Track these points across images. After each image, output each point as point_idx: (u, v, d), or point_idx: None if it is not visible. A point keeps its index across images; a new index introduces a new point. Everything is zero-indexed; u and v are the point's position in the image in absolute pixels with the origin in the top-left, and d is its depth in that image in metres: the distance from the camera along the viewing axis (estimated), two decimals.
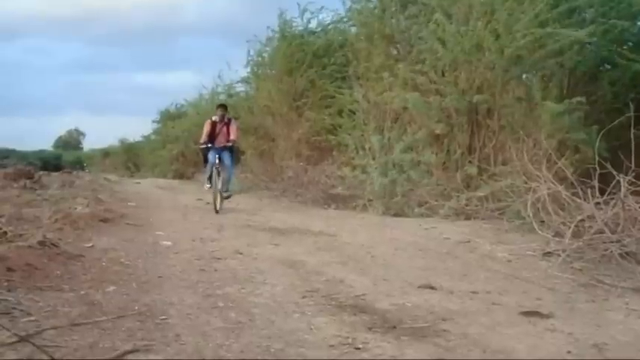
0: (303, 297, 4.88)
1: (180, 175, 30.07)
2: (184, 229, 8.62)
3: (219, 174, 12.58)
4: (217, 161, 12.66)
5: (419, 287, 5.34)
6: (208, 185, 12.88)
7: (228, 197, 12.71)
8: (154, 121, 38.72)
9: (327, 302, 4.74)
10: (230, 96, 24.57)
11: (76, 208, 8.93)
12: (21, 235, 6.16)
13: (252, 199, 15.42)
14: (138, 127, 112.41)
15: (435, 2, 11.77)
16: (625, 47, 10.72)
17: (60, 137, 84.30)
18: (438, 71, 11.14)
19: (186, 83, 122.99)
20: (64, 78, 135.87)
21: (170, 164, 32.05)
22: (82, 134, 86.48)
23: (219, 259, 6.33)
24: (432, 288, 5.32)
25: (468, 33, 10.40)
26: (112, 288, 4.83)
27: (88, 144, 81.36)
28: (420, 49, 11.91)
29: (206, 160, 13.14)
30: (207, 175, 13.06)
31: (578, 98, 9.75)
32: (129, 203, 12.69)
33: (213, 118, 13.25)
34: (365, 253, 7.13)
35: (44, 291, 4.53)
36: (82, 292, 4.62)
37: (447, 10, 11.27)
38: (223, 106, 13.76)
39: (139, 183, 24.37)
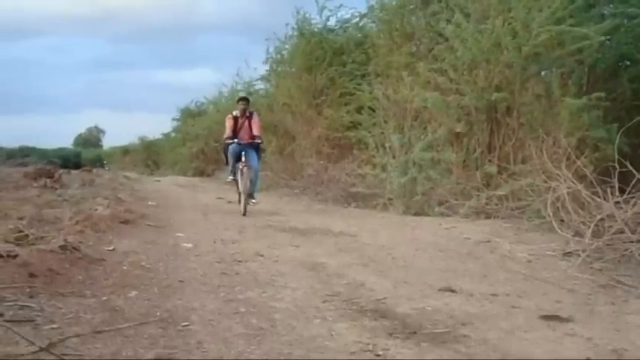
0: (324, 301, 4.89)
1: (200, 173, 30.22)
2: (205, 229, 8.65)
3: (242, 173, 11.81)
4: (243, 159, 11.90)
5: (439, 290, 5.35)
6: (231, 177, 12.17)
7: (254, 204, 11.91)
8: (173, 119, 38.99)
9: (347, 307, 4.75)
10: (249, 94, 24.55)
11: (96, 209, 8.97)
12: (42, 238, 6.16)
13: (273, 198, 15.45)
14: (157, 125, 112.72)
15: (453, 1, 11.78)
16: None
17: (80, 135, 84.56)
18: (458, 70, 11.11)
19: (205, 81, 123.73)
20: (84, 76, 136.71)
21: (190, 162, 32.21)
22: (102, 132, 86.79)
23: (240, 261, 6.35)
24: (452, 291, 5.33)
25: (486, 32, 10.37)
26: (133, 293, 4.84)
27: (108, 141, 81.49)
28: (440, 48, 11.86)
29: (227, 159, 12.36)
30: (230, 170, 12.21)
31: (598, 94, 9.73)
32: (149, 202, 12.73)
33: (234, 113, 12.39)
34: (385, 255, 7.15)
35: (66, 297, 4.54)
36: (104, 298, 4.64)
37: (465, 9, 11.26)
38: (245, 100, 12.80)
39: (159, 181, 24.46)
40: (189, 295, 4.92)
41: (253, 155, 12.12)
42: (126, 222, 8.36)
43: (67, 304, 4.37)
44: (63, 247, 5.58)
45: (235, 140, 12.01)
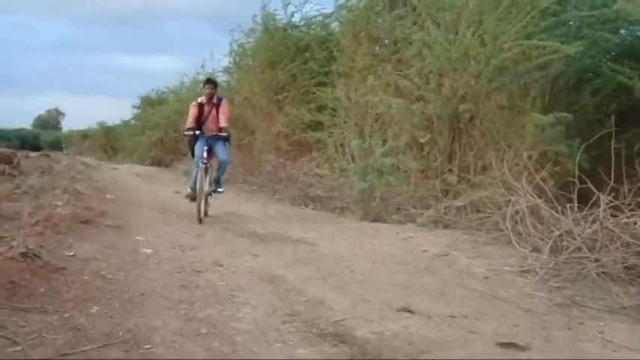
0: (284, 322, 4.85)
1: (158, 162, 30.05)
2: (164, 232, 8.52)
3: (206, 172, 10.59)
4: (205, 154, 10.58)
5: (397, 310, 5.33)
6: (190, 191, 10.80)
7: (220, 192, 10.98)
8: (134, 107, 38.75)
9: (307, 329, 4.72)
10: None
11: (56, 206, 8.81)
12: (1, 239, 6.13)
13: (231, 194, 15.26)
14: (119, 110, 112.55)
15: (422, 9, 11.74)
16: (608, 57, 10.76)
17: (39, 116, 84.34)
18: (423, 77, 11.06)
19: (169, 68, 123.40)
20: (47, 57, 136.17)
21: (149, 150, 32.00)
22: (62, 114, 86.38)
23: (199, 272, 6.28)
24: (411, 312, 5.31)
25: (455, 41, 10.35)
26: (95, 309, 4.76)
27: (68, 124, 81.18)
28: (407, 54, 11.80)
29: (193, 152, 10.99)
30: (192, 175, 10.91)
31: (564, 113, 9.80)
32: (107, 196, 12.49)
33: (200, 100, 10.97)
34: (344, 267, 7.08)
35: (29, 313, 4.45)
36: (67, 315, 4.55)
37: (435, 17, 11.21)
38: (212, 83, 11.29)
39: (117, 169, 24.22)
40: (151, 312, 4.85)
41: (221, 147, 10.89)
42: (86, 222, 8.21)
43: (29, 322, 4.29)
44: (24, 255, 5.47)
45: (197, 132, 10.68)
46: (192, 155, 11.12)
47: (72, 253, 6.36)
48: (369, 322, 4.99)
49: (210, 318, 4.84)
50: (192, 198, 10.60)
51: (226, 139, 10.97)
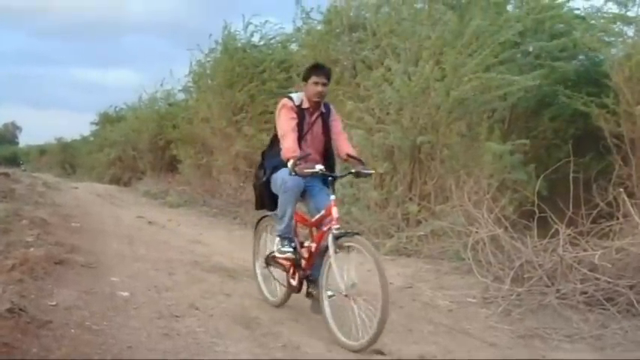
0: None
1: (116, 180, 29.85)
2: (136, 270, 8.37)
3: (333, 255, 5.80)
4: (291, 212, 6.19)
5: (370, 352, 5.41)
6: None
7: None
8: (92, 123, 38.42)
9: None
10: (170, 104, 24.50)
11: (29, 245, 8.72)
12: None
13: (192, 217, 15.29)
14: (77, 124, 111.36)
15: (383, 35, 11.88)
16: (567, 84, 11.00)
17: None
18: (384, 108, 11.15)
19: (128, 81, 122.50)
20: (2, 68, 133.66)
21: (107, 168, 31.76)
22: (19, 128, 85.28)
23: (177, 317, 6.27)
24: (382, 353, 5.43)
25: (415, 74, 10.49)
26: None
27: (25, 139, 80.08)
28: (366, 84, 11.86)
29: (263, 203, 6.66)
30: (281, 232, 6.31)
31: (522, 141, 9.99)
32: (73, 224, 12.26)
33: (295, 98, 6.25)
34: None
35: None
36: None
37: (395, 46, 11.35)
38: (326, 73, 6.28)
39: (77, 188, 23.88)
40: None
41: (324, 195, 6.13)
42: (60, 262, 8.08)
43: None
44: (10, 311, 5.39)
45: (295, 169, 5.80)
46: (261, 206, 6.82)
47: (54, 303, 6.30)
48: None
49: None
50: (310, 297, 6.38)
51: (334, 179, 6.17)
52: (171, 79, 34.91)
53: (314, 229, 6.37)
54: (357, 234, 5.99)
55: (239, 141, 17.43)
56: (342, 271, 5.74)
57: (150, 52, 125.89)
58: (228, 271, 8.62)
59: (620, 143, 9.83)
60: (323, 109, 6.35)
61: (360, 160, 6.35)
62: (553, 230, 7.56)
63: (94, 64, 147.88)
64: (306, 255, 6.32)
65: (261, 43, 18.65)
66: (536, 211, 7.87)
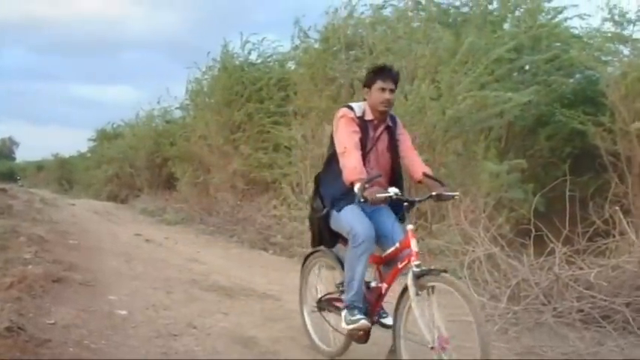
0: None
1: (114, 197, 29.75)
2: (134, 288, 8.35)
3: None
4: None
5: None
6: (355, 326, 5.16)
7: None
8: (89, 139, 38.30)
9: None
10: (167, 122, 24.49)
11: (27, 262, 8.68)
12: None
13: (190, 235, 15.22)
14: (75, 140, 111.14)
15: (380, 53, 11.89)
16: (564, 102, 11.03)
17: None
18: None
19: (126, 98, 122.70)
20: (1, 84, 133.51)
21: (104, 185, 31.66)
22: (16, 144, 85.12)
23: (175, 335, 6.25)
24: None
25: (412, 92, 10.49)
26: None
27: (22, 154, 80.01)
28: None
29: (322, 239, 5.56)
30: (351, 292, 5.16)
31: (519, 160, 9.99)
32: (70, 241, 12.20)
33: (356, 108, 5.22)
34: None
35: None
36: None
37: (391, 63, 11.29)
38: (394, 77, 5.27)
39: (74, 205, 23.82)
40: None
41: (397, 226, 5.29)
42: (58, 280, 8.05)
43: None
44: (9, 330, 5.37)
45: (364, 195, 4.72)
46: (319, 243, 5.70)
47: (52, 321, 6.28)
48: None
49: None
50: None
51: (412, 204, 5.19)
52: (169, 97, 34.95)
53: (381, 265, 5.34)
54: (444, 271, 4.80)
55: (236, 159, 17.41)
56: (424, 317, 4.75)
57: (150, 69, 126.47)
58: (226, 290, 8.60)
59: (616, 161, 9.86)
60: (389, 122, 5.34)
61: (439, 181, 5.30)
62: (549, 248, 7.51)
63: (93, 81, 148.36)
64: (374, 298, 5.27)
65: (259, 61, 18.76)
66: (533, 230, 7.84)
